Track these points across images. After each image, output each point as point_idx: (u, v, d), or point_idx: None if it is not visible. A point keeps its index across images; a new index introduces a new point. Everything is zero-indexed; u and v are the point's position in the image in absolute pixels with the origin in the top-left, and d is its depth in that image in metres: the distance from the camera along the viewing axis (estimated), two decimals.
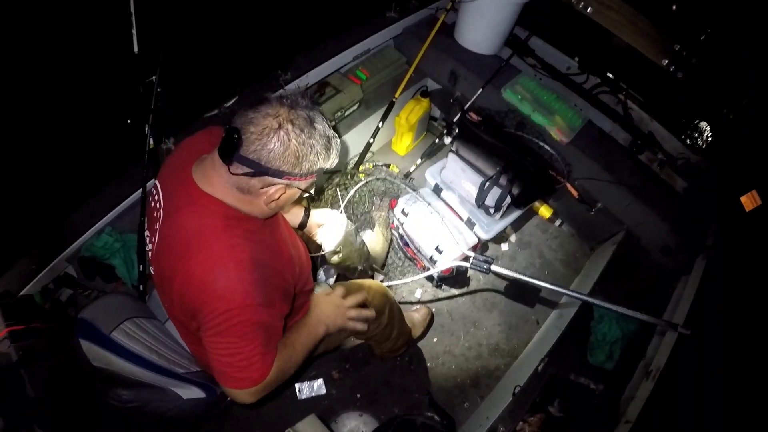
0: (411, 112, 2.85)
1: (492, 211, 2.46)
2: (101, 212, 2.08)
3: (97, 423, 1.58)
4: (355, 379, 2.34)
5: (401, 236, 2.58)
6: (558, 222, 2.97)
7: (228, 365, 1.27)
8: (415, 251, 2.52)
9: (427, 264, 2.49)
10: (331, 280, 2.09)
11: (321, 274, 2.16)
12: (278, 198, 1.25)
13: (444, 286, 2.67)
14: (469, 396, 2.36)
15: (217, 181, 1.24)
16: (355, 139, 2.83)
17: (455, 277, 2.66)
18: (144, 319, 1.71)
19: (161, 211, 1.34)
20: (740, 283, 2.11)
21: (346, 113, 2.72)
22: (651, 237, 2.54)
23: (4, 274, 1.97)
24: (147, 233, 1.44)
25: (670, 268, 2.46)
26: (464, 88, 2.88)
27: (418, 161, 2.98)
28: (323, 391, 2.28)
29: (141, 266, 2.03)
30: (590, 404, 1.99)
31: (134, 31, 2.00)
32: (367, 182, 2.65)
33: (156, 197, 1.38)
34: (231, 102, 2.38)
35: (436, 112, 3.24)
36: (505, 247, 2.88)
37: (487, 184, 2.39)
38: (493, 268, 1.85)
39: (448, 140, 2.59)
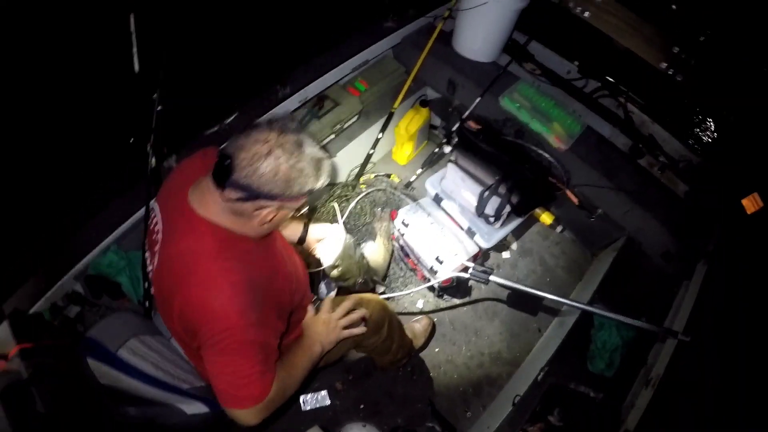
0: (410, 121, 2.87)
1: (492, 219, 2.47)
2: (106, 231, 2.12)
3: None
4: (358, 390, 2.36)
5: (402, 247, 2.61)
6: (559, 228, 2.98)
7: (228, 384, 1.30)
8: (416, 262, 2.55)
9: (427, 275, 2.52)
10: (332, 294, 2.12)
11: (322, 287, 2.19)
12: (271, 219, 1.29)
13: (446, 296, 2.68)
14: (471, 405, 2.38)
15: (211, 204, 1.28)
16: (356, 150, 2.85)
17: (456, 287, 2.67)
18: (149, 336, 1.74)
19: (160, 233, 1.38)
20: (741, 288, 2.11)
21: (345, 126, 2.75)
22: (652, 242, 2.54)
23: (13, 293, 2.01)
24: (147, 254, 1.49)
25: (671, 273, 2.46)
26: (463, 96, 2.90)
27: (419, 171, 3.00)
28: (327, 402, 2.31)
29: (146, 283, 2.07)
30: (590, 413, 2.01)
31: (135, 50, 2.05)
32: (367, 193, 2.68)
33: (155, 219, 1.42)
34: (231, 118, 2.41)
35: (437, 121, 3.26)
36: (506, 254, 2.89)
37: (486, 193, 2.40)
38: (492, 278, 1.88)
39: (447, 149, 2.62)
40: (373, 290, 2.36)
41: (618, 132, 2.82)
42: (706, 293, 2.15)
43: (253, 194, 1.20)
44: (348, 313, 1.74)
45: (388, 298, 2.17)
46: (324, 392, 2.31)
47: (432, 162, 3.03)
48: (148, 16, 2.03)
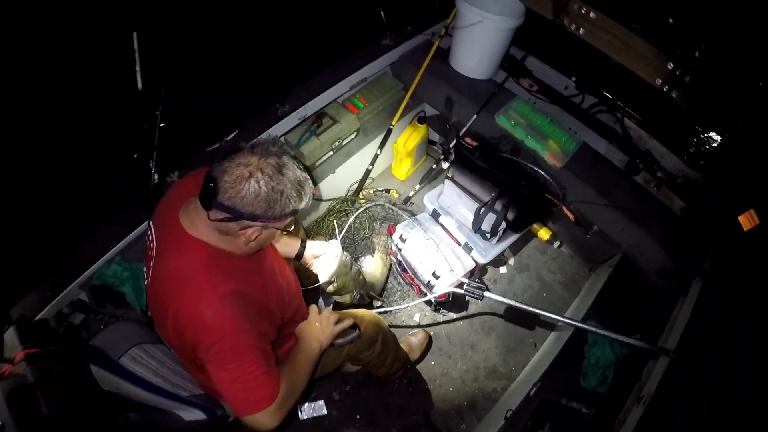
0: (409, 138, 2.93)
1: (488, 235, 2.52)
2: (111, 243, 2.19)
3: None
4: (354, 400, 2.40)
5: (399, 262, 2.66)
6: (557, 244, 3.01)
7: (239, 392, 1.35)
8: (413, 276, 2.59)
9: (424, 289, 2.56)
10: (330, 309, 2.18)
11: (321, 302, 2.25)
12: (255, 238, 1.35)
13: (442, 310, 2.73)
14: (465, 418, 2.41)
15: (200, 224, 1.35)
16: (355, 166, 2.91)
17: (453, 302, 2.72)
18: (151, 344, 1.80)
19: (154, 250, 1.45)
20: (737, 305, 2.13)
21: (344, 142, 2.82)
22: (647, 259, 2.56)
23: (20, 300, 2.08)
24: (144, 268, 1.55)
25: (667, 290, 2.46)
26: (460, 113, 2.95)
27: (417, 186, 3.06)
28: (324, 411, 2.35)
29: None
30: (582, 429, 2.02)
31: (138, 68, 2.12)
32: (366, 209, 2.73)
33: (150, 237, 1.49)
34: (231, 135, 2.47)
35: (436, 137, 3.32)
36: (503, 270, 2.93)
37: (483, 209, 2.45)
38: (487, 294, 1.94)
39: (445, 165, 2.67)
40: (369, 305, 2.40)
41: (614, 148, 2.85)
42: (701, 310, 2.17)
43: (236, 215, 1.27)
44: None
45: (385, 312, 2.22)
46: (321, 402, 2.35)
47: (430, 178, 3.09)
48: (151, 35, 2.11)
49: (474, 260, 2.57)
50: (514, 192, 2.40)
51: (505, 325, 2.71)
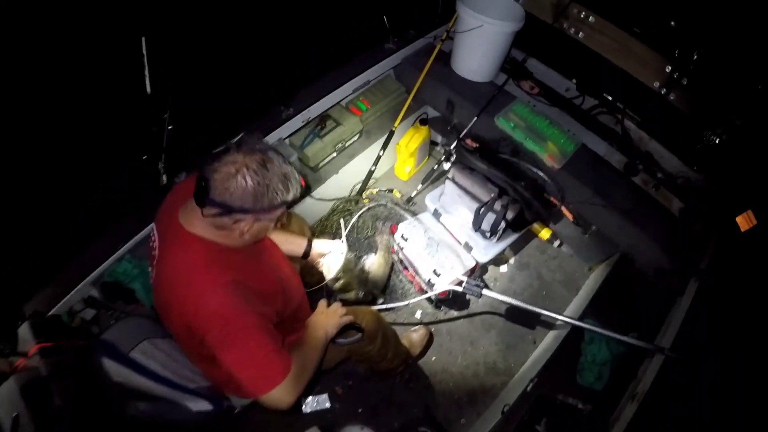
0: (411, 139, 2.99)
1: (488, 235, 2.58)
2: (121, 241, 2.27)
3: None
4: (357, 394, 2.46)
5: (401, 260, 2.72)
6: (557, 243, 3.05)
7: (250, 371, 1.42)
8: (414, 274, 2.65)
9: (424, 287, 2.62)
10: (337, 302, 2.25)
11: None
12: (248, 230, 1.42)
13: (443, 307, 2.78)
14: (465, 413, 2.46)
15: (196, 222, 1.43)
16: (358, 167, 2.98)
17: (454, 299, 2.77)
18: (160, 339, 1.87)
19: (157, 249, 1.53)
20: (733, 305, 2.16)
21: (347, 144, 2.88)
22: (645, 259, 2.60)
23: (34, 296, 2.16)
24: (149, 268, 1.63)
25: (664, 289, 2.50)
26: (461, 115, 3.01)
27: (420, 186, 3.11)
28: (327, 405, 2.41)
29: None
30: (577, 424, 2.06)
31: (146, 72, 2.19)
32: (369, 208, 2.79)
33: (153, 237, 1.57)
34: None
35: (438, 138, 3.38)
36: (504, 269, 2.98)
37: (482, 209, 2.50)
38: (485, 292, 2.00)
39: (447, 166, 2.73)
40: (372, 301, 2.47)
41: (614, 150, 2.90)
42: (697, 310, 2.21)
43: (227, 210, 1.35)
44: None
45: (387, 309, 2.28)
46: (325, 395, 2.41)
47: (432, 178, 3.14)
48: (159, 39, 2.17)
49: (474, 259, 2.61)
50: (514, 192, 2.46)
51: (505, 323, 2.76)
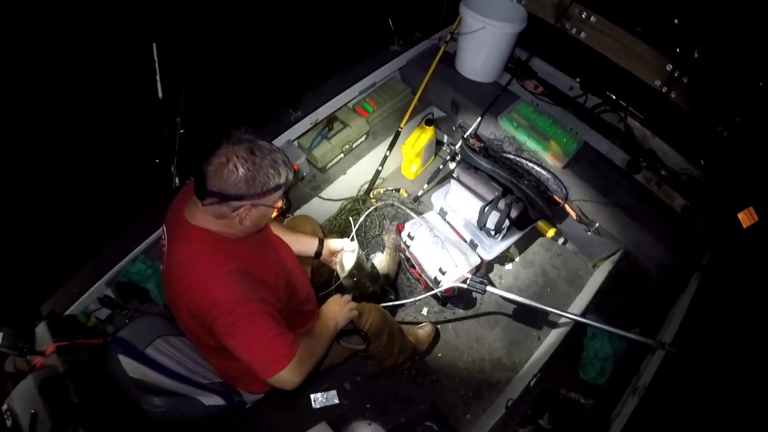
0: (417, 140, 3.03)
1: (493, 233, 2.62)
2: (135, 242, 2.35)
3: (130, 426, 1.79)
4: (365, 390, 2.51)
5: (408, 258, 2.77)
6: (561, 241, 3.09)
7: (258, 354, 1.51)
8: (420, 272, 2.70)
9: (430, 284, 2.66)
10: (349, 296, 2.30)
11: None
12: (247, 216, 1.50)
13: (449, 305, 2.83)
14: (471, 408, 2.50)
15: (198, 214, 1.51)
16: (365, 167, 3.04)
17: (460, 296, 2.80)
18: (173, 336, 1.94)
19: (165, 245, 1.61)
20: (735, 301, 2.19)
21: (354, 145, 2.94)
22: (648, 256, 2.64)
23: (50, 297, 2.24)
24: (161, 266, 1.71)
25: (667, 285, 2.54)
26: (466, 115, 3.06)
27: (426, 186, 3.16)
28: (336, 401, 2.46)
29: None
30: (580, 418, 2.09)
31: (158, 78, 2.26)
32: (376, 208, 2.84)
33: (163, 236, 1.65)
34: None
35: (444, 138, 3.42)
36: (509, 266, 3.01)
37: (487, 208, 2.55)
38: (489, 289, 2.05)
39: (452, 165, 2.77)
40: (381, 298, 2.51)
41: (616, 148, 2.93)
42: (699, 306, 2.24)
43: (224, 197, 1.43)
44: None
45: (394, 306, 2.33)
46: (333, 392, 2.46)
47: (438, 177, 3.17)
48: (170, 45, 2.24)
49: (479, 257, 2.65)
50: (517, 191, 2.50)
51: (510, 320, 2.79)
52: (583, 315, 2.22)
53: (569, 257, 3.05)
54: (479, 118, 2.83)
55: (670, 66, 2.60)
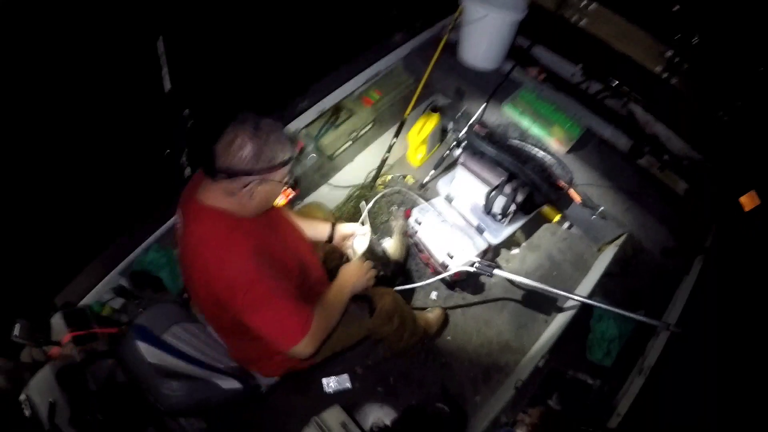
0: (422, 127, 3.06)
1: (499, 217, 2.65)
2: (148, 232, 2.39)
3: (147, 413, 1.83)
4: (376, 374, 2.56)
5: (416, 243, 2.80)
6: (566, 225, 3.13)
7: (276, 328, 1.56)
8: (429, 257, 2.73)
9: (439, 269, 2.70)
10: (369, 263, 2.33)
11: None
12: (256, 192, 1.54)
13: (458, 289, 2.87)
14: (480, 389, 2.55)
15: (210, 193, 1.56)
16: (372, 155, 3.07)
17: (468, 280, 2.85)
18: (189, 323, 1.99)
19: (181, 228, 1.65)
20: (735, 282, 2.23)
21: (361, 133, 2.97)
22: (651, 239, 2.67)
23: (65, 288, 2.28)
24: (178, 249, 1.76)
25: (671, 268, 2.58)
26: (470, 102, 3.08)
27: (432, 172, 3.19)
28: (348, 385, 2.51)
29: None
30: (587, 398, 2.14)
31: (165, 70, 2.29)
32: (384, 194, 2.87)
33: (178, 222, 1.69)
34: None
35: (450, 125, 3.45)
36: (515, 251, 3.06)
37: (493, 193, 2.57)
38: (497, 271, 2.09)
39: (457, 152, 2.80)
40: (392, 282, 2.55)
41: (619, 133, 2.95)
42: (702, 287, 2.29)
43: (232, 173, 1.48)
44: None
45: (404, 290, 2.37)
46: (345, 376, 2.51)
47: (444, 164, 3.20)
48: (176, 38, 2.26)
49: (486, 241, 2.68)
50: (523, 175, 2.53)
51: (517, 304, 2.84)
52: (589, 297, 2.25)
53: (574, 241, 3.09)
54: (484, 105, 2.85)
55: (670, 52, 2.62)
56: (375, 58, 3.09)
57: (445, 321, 2.70)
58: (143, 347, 1.78)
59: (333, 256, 2.32)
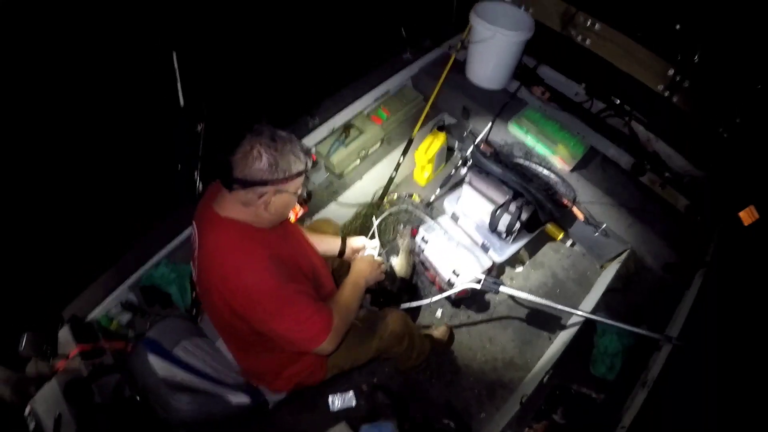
0: (429, 146, 3.10)
1: (504, 235, 2.68)
2: (158, 246, 2.41)
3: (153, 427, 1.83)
4: (382, 391, 2.54)
5: (422, 261, 2.83)
6: (569, 243, 3.15)
7: (299, 332, 1.62)
8: (435, 275, 2.76)
9: (444, 287, 2.72)
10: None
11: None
12: (272, 202, 1.58)
13: (462, 306, 2.89)
14: (485, 406, 2.55)
15: (226, 204, 1.61)
16: (380, 173, 3.12)
17: (473, 299, 2.87)
18: (198, 338, 2.01)
19: (197, 241, 1.69)
20: (735, 295, 2.25)
21: (370, 152, 3.02)
22: (654, 255, 2.70)
23: (73, 301, 2.30)
24: (192, 266, 1.80)
25: (672, 283, 2.59)
26: (476, 121, 3.13)
27: (438, 191, 3.22)
28: (353, 403, 2.50)
29: (194, 292, 2.34)
30: (592, 412, 2.15)
31: (179, 86, 2.33)
32: (390, 213, 2.91)
33: (193, 235, 1.73)
34: None
35: (455, 144, 3.49)
36: (519, 268, 3.08)
37: (498, 211, 2.61)
38: (503, 288, 2.12)
39: (463, 171, 2.83)
40: (400, 296, 2.57)
41: (622, 151, 2.99)
42: (703, 301, 2.31)
43: (249, 183, 1.52)
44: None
45: (410, 308, 2.40)
46: (351, 393, 2.51)
47: (450, 183, 3.22)
48: (190, 55, 2.31)
49: (491, 259, 2.71)
50: (527, 194, 2.56)
51: (522, 321, 2.85)
52: (592, 313, 2.28)
53: (578, 258, 3.11)
54: (490, 124, 2.90)
55: (672, 71, 2.68)
56: (384, 77, 3.15)
57: (450, 338, 2.71)
58: (154, 360, 1.79)
59: (342, 272, 2.35)
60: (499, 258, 2.71)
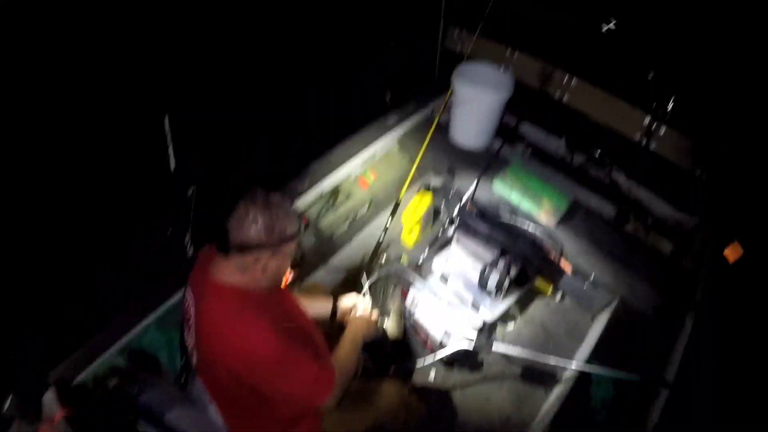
0: (416, 207, 3.16)
1: (494, 293, 2.69)
2: (148, 311, 2.40)
3: None
4: None
5: (413, 324, 2.82)
6: (559, 296, 3.17)
7: (305, 390, 1.64)
8: (426, 336, 2.74)
9: (436, 348, 2.70)
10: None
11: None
12: (268, 265, 1.60)
13: (456, 366, 2.85)
14: None
15: (223, 270, 1.62)
16: (368, 236, 3.19)
17: (466, 358, 2.83)
18: (189, 404, 1.96)
19: (192, 307, 1.70)
20: (727, 333, 2.29)
21: (358, 215, 3.07)
22: (642, 300, 2.75)
23: (59, 364, 2.26)
24: (185, 331, 1.81)
25: (663, 327, 2.63)
26: (462, 181, 3.22)
27: (425, 252, 3.24)
28: None
29: (183, 358, 2.30)
30: None
31: (170, 149, 2.37)
32: (379, 277, 2.92)
33: (188, 301, 1.75)
34: None
35: (442, 204, 3.56)
36: (510, 326, 3.07)
37: (487, 269, 2.63)
38: (495, 346, 2.13)
39: (450, 231, 2.88)
40: (393, 357, 2.55)
41: (605, 202, 3.09)
42: (694, 341, 2.34)
43: (245, 247, 1.54)
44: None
45: (405, 374, 2.38)
46: None
47: (437, 243, 3.25)
48: (183, 118, 2.36)
49: (482, 318, 2.71)
50: (515, 251, 2.60)
51: (516, 378, 2.81)
52: (586, 363, 2.29)
53: (568, 311, 3.12)
54: (474, 184, 2.97)
55: (648, 119, 2.81)
56: (370, 140, 3.26)
57: (439, 401, 2.70)
58: (145, 428, 1.75)
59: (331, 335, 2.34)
60: (491, 316, 2.70)
